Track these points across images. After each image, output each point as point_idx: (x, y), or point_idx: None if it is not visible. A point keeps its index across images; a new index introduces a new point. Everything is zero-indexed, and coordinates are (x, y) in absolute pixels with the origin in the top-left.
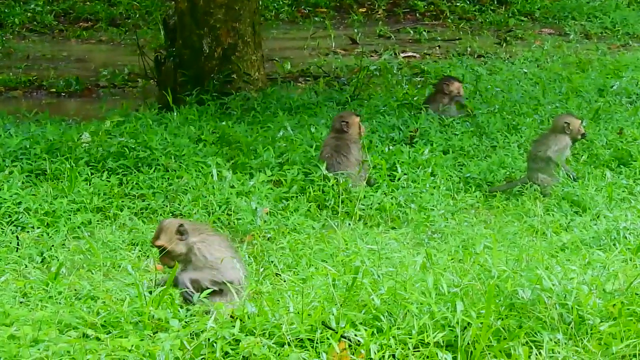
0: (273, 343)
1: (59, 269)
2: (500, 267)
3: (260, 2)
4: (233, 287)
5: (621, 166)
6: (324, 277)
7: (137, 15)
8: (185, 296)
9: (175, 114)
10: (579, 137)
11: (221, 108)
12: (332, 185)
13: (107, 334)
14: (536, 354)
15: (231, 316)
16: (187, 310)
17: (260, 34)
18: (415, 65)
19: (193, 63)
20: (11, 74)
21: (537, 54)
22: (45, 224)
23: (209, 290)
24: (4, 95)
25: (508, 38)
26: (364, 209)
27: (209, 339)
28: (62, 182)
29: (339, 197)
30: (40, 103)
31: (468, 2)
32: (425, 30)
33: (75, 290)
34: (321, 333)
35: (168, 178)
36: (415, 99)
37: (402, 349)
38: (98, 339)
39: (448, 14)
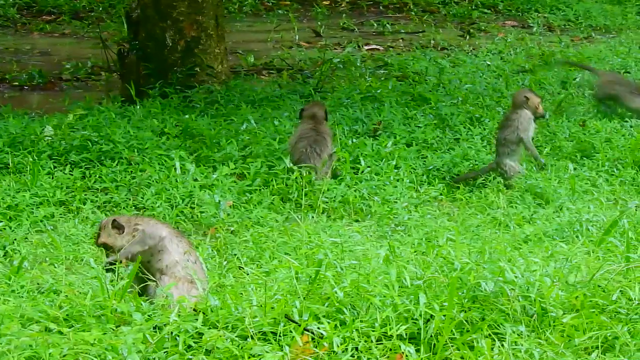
0: (236, 336)
1: (22, 263)
2: (463, 260)
3: None
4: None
5: (584, 158)
6: (287, 270)
7: (100, 9)
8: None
9: (138, 107)
10: (538, 114)
11: (184, 101)
12: (296, 178)
13: (69, 328)
14: (499, 346)
15: (194, 309)
16: (151, 303)
17: (224, 26)
18: (378, 58)
19: (156, 56)
20: None
21: (501, 46)
22: (8, 217)
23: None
24: None
25: (471, 30)
26: (327, 202)
27: (171, 332)
28: (24, 175)
29: (302, 190)
30: (3, 96)
31: None
32: (388, 23)
33: (38, 284)
34: (284, 326)
35: (131, 171)
36: (378, 91)
37: (365, 341)
38: (60, 332)
39: (411, 7)
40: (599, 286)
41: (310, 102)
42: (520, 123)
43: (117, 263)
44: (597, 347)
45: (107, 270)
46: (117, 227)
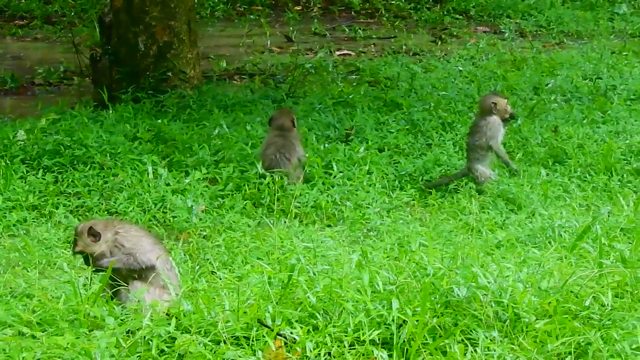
0: (209, 341)
1: None
2: (436, 265)
3: (196, 0)
4: (149, 271)
5: (556, 164)
6: (259, 274)
7: (73, 13)
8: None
9: (110, 111)
10: (507, 116)
11: (157, 106)
12: (268, 183)
13: (42, 332)
14: (472, 352)
15: (167, 314)
16: (123, 307)
17: (196, 31)
18: (350, 63)
19: (129, 60)
20: None
21: (472, 51)
22: None
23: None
24: None
25: (443, 36)
26: (299, 207)
27: (144, 337)
28: None
29: (274, 194)
30: None
31: (403, 1)
32: (360, 28)
33: (11, 288)
34: (257, 331)
35: (104, 176)
36: (350, 97)
37: (338, 346)
38: (34, 336)
39: (383, 12)
40: (571, 292)
41: (279, 110)
42: (489, 129)
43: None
44: (570, 353)
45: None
46: (94, 234)
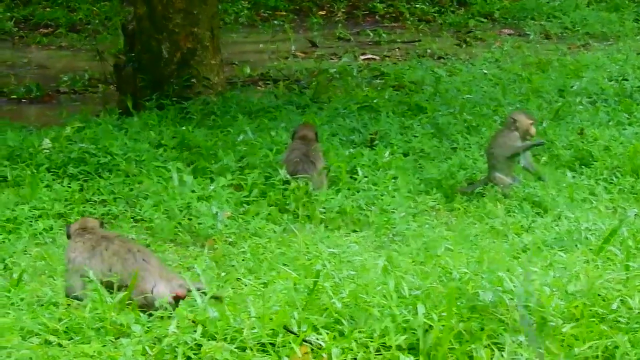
0: (235, 348)
1: (21, 276)
2: (462, 269)
3: (219, 6)
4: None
5: (582, 167)
6: (285, 281)
7: (97, 21)
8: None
9: (135, 119)
10: (528, 137)
11: (181, 113)
12: (293, 189)
13: (69, 340)
14: (498, 356)
15: (193, 321)
16: (149, 315)
17: (220, 38)
18: (374, 68)
19: (152, 68)
20: None
21: (497, 54)
22: (7, 230)
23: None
24: None
25: (468, 39)
26: (325, 212)
27: (170, 344)
28: (23, 188)
29: (299, 200)
30: (1, 110)
31: (427, 4)
32: (384, 33)
33: (37, 296)
34: (283, 337)
35: (129, 183)
36: (375, 101)
37: (364, 352)
38: (60, 345)
39: (407, 16)
40: (598, 295)
41: (302, 124)
42: (504, 141)
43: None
44: (597, 357)
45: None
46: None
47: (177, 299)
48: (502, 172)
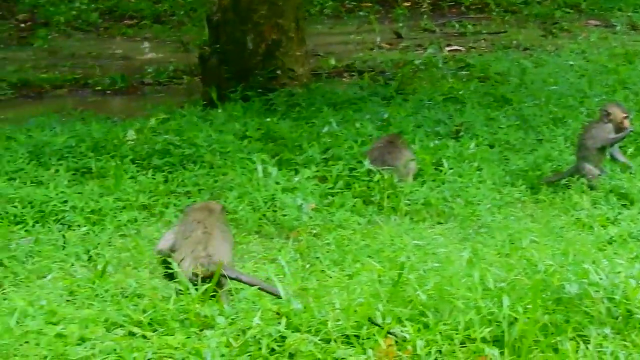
0: (319, 340)
1: (105, 267)
2: (547, 262)
3: None
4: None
5: None
6: (369, 273)
7: (182, 12)
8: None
9: (219, 110)
10: (623, 130)
11: (266, 104)
12: (378, 180)
13: (153, 332)
14: (584, 349)
15: (277, 313)
16: (233, 307)
17: (304, 29)
18: (460, 59)
19: (237, 59)
20: (57, 72)
21: (583, 45)
22: (92, 222)
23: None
24: (50, 94)
25: (554, 30)
26: (409, 204)
27: (255, 336)
28: (107, 180)
29: (384, 192)
30: (86, 101)
31: None
32: (470, 24)
33: (122, 288)
34: (367, 329)
35: (213, 175)
36: (460, 93)
37: (449, 344)
38: (144, 336)
39: (493, 7)
40: None
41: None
42: (596, 132)
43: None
44: None
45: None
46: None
47: (195, 275)
48: (592, 163)
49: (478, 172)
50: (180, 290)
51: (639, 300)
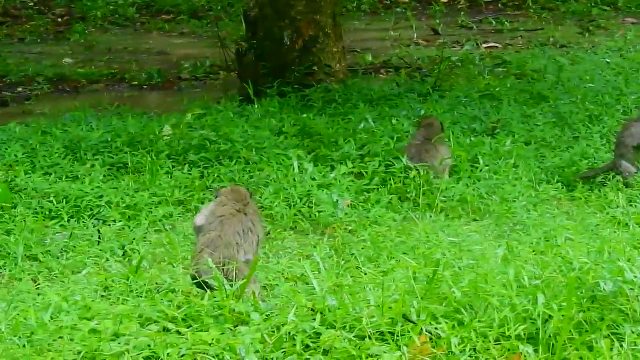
0: (353, 336)
1: (140, 263)
2: (582, 259)
3: None
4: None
5: None
6: (404, 269)
7: (219, 7)
8: None
9: (256, 106)
10: None
11: (302, 100)
12: (414, 177)
13: (187, 328)
14: (618, 347)
15: (312, 309)
16: (267, 303)
17: (341, 25)
18: (497, 56)
19: (274, 55)
20: (93, 67)
21: (620, 43)
22: (127, 217)
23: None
24: (86, 89)
25: (591, 28)
26: (445, 201)
27: (289, 332)
28: (143, 175)
29: (420, 188)
30: (122, 96)
31: None
32: (507, 21)
33: (156, 283)
34: (402, 326)
35: (249, 170)
36: (496, 89)
37: (483, 341)
38: (178, 332)
39: (530, 4)
40: None
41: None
42: (637, 132)
43: None
44: None
45: None
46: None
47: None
48: (629, 161)
49: (514, 169)
50: (213, 286)
51: None
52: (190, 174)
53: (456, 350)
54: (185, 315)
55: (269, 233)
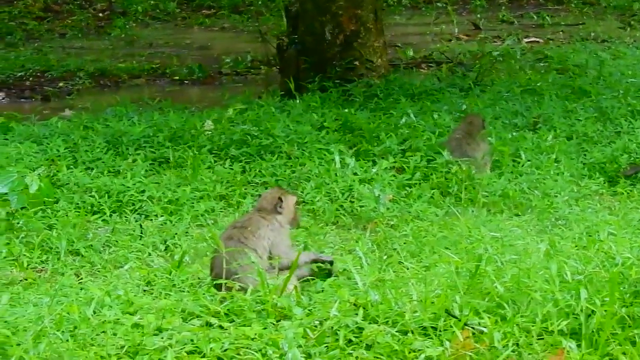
0: (396, 331)
1: (182, 257)
2: (625, 254)
3: None
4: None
5: None
6: (447, 264)
7: (260, 2)
8: None
9: (297, 101)
10: None
11: (343, 95)
12: (456, 172)
13: (230, 323)
14: None
15: (354, 304)
16: (310, 298)
17: (383, 20)
18: (538, 51)
19: (315, 50)
20: (134, 62)
21: None
22: (169, 212)
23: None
24: (127, 83)
25: (632, 22)
26: (487, 196)
27: (332, 327)
28: (185, 170)
29: (462, 183)
30: (163, 91)
31: None
32: (548, 15)
33: (199, 278)
34: (444, 321)
35: (291, 165)
36: (538, 84)
37: (526, 337)
38: (221, 327)
39: None
40: None
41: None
42: None
43: None
44: None
45: None
46: None
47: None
48: None
49: (555, 164)
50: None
51: None
52: (232, 168)
53: (499, 346)
54: (228, 310)
55: (307, 228)
